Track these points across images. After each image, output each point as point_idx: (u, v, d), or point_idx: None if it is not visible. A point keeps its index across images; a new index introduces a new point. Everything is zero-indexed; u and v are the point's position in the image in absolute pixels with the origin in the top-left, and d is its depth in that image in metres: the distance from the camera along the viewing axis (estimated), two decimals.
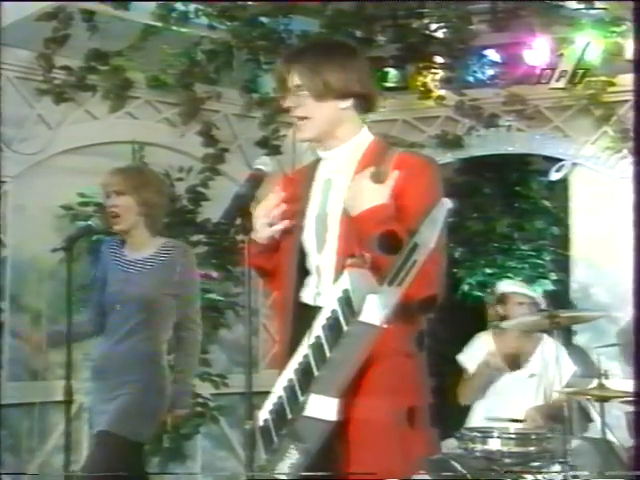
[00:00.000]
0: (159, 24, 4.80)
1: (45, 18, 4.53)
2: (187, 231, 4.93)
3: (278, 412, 2.33)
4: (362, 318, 2.19)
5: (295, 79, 2.42)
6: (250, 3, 4.94)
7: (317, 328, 2.29)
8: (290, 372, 2.33)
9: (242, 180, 2.41)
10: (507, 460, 4.02)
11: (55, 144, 4.73)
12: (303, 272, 2.47)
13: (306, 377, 2.28)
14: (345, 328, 2.22)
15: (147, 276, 3.55)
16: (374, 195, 2.28)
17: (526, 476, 4.02)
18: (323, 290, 2.41)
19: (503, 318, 4.92)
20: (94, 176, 4.57)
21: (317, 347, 2.27)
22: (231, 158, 5.30)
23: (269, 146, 5.29)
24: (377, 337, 2.20)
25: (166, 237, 3.71)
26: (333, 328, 2.25)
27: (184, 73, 5.05)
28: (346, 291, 2.24)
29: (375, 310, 2.18)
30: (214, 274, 5.02)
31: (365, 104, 2.47)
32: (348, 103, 2.42)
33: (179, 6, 4.83)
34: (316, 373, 2.26)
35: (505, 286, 5.05)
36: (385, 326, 2.19)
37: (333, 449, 2.30)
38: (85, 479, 3.51)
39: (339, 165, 2.46)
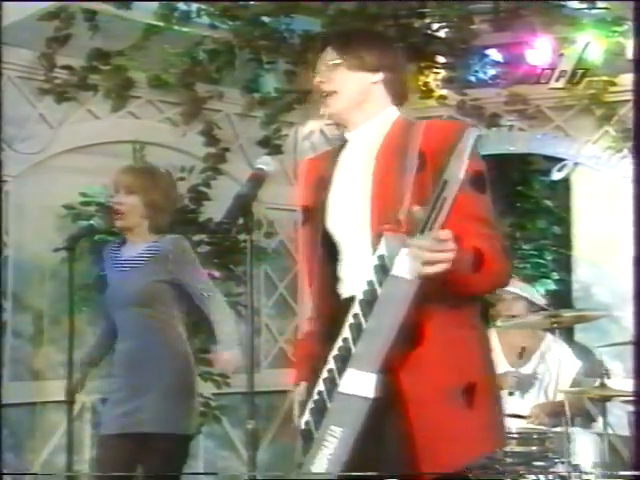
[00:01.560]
0: (161, 24, 4.80)
1: (47, 17, 4.53)
2: (189, 231, 4.92)
3: (320, 410, 2.15)
4: (394, 272, 2.06)
5: (330, 55, 2.42)
6: (252, 3, 4.94)
7: (355, 306, 2.14)
8: (330, 362, 2.16)
9: (244, 180, 2.40)
10: (509, 460, 4.02)
11: (57, 143, 4.73)
12: (333, 264, 2.36)
13: (345, 361, 2.11)
14: (379, 292, 2.09)
15: (140, 271, 3.54)
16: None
17: (528, 476, 4.02)
18: (358, 278, 2.22)
19: (499, 316, 4.94)
20: (96, 175, 4.59)
21: (355, 325, 2.11)
22: (233, 158, 5.30)
23: (271, 146, 5.29)
24: (413, 294, 2.04)
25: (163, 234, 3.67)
26: (369, 298, 2.10)
27: (186, 72, 5.05)
28: (381, 257, 2.11)
29: (408, 262, 2.04)
30: (216, 274, 5.01)
31: (394, 81, 2.43)
32: (379, 77, 2.41)
33: (181, 5, 4.83)
34: (353, 350, 2.10)
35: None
36: (418, 280, 2.03)
37: (384, 436, 2.12)
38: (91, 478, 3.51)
39: (366, 141, 2.39)
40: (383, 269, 2.09)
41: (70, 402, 3.45)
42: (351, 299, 2.20)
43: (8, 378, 4.45)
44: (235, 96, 5.30)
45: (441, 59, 5.33)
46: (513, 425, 4.17)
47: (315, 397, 2.18)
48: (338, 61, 2.40)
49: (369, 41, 2.45)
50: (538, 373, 4.72)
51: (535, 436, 4.13)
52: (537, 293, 5.01)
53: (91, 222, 3.70)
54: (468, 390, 2.16)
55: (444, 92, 5.39)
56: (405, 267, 2.04)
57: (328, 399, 2.13)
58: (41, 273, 4.58)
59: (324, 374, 2.17)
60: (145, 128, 5.06)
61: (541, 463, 4.06)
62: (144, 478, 3.57)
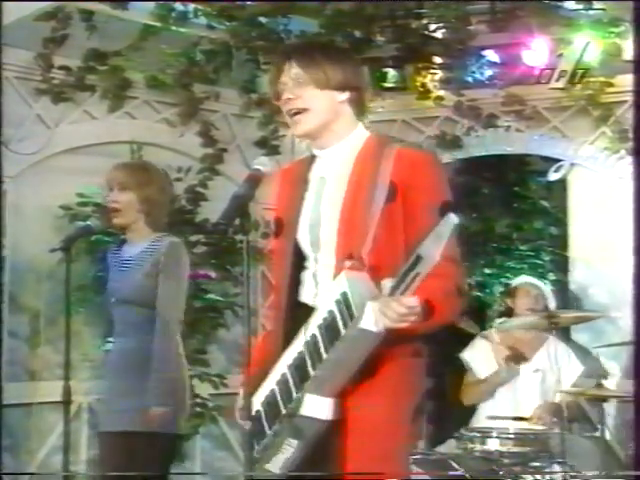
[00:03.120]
0: (158, 24, 4.80)
1: (44, 18, 4.52)
2: (186, 231, 4.93)
3: (270, 405, 2.38)
4: (362, 325, 2.21)
5: (294, 70, 2.43)
6: (249, 3, 4.94)
7: (313, 327, 2.31)
8: (284, 367, 2.36)
9: (241, 180, 2.40)
10: (506, 460, 4.02)
11: (54, 144, 4.72)
12: (299, 272, 2.48)
13: (300, 374, 2.32)
14: (343, 331, 2.25)
15: (138, 272, 3.53)
16: None
17: (525, 476, 4.02)
18: (321, 290, 2.41)
19: (508, 312, 4.94)
20: (93, 176, 4.58)
21: (312, 346, 2.30)
22: (230, 158, 5.30)
23: (268, 146, 5.29)
24: (375, 343, 2.23)
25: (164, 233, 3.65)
26: (330, 329, 2.27)
27: (183, 73, 5.04)
28: (344, 294, 2.25)
29: (375, 317, 2.20)
30: (213, 274, 5.02)
31: (359, 100, 2.48)
32: (345, 96, 2.44)
33: (178, 6, 4.83)
34: (312, 372, 2.29)
35: (522, 278, 5.10)
36: (383, 333, 2.21)
37: (333, 448, 2.32)
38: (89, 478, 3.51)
39: (334, 164, 2.46)
40: (347, 308, 2.24)
41: (67, 402, 3.45)
42: (309, 307, 2.38)
43: (5, 379, 4.45)
44: (232, 97, 5.30)
45: (438, 60, 5.34)
46: (514, 427, 4.18)
47: (267, 392, 2.40)
48: (305, 77, 2.42)
49: (329, 55, 2.47)
50: (538, 370, 4.72)
51: (532, 437, 4.13)
52: (552, 295, 5.03)
53: (88, 223, 3.68)
54: (415, 411, 2.40)
55: (441, 93, 5.39)
56: (372, 321, 2.21)
57: (281, 402, 2.36)
58: (38, 274, 4.58)
59: (277, 376, 2.38)
60: (142, 128, 5.05)
61: (538, 464, 4.06)
62: (134, 477, 3.57)
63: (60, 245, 3.52)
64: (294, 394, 2.33)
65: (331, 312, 2.27)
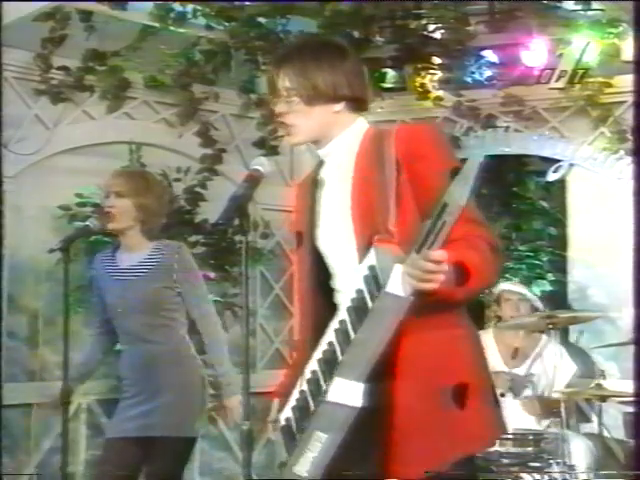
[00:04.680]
0: (157, 24, 4.80)
1: (42, 18, 4.52)
2: (185, 231, 4.93)
3: (301, 408, 2.19)
4: (388, 289, 2.06)
5: (285, 82, 2.35)
6: (248, 3, 4.94)
7: (342, 312, 2.16)
8: (314, 364, 2.19)
9: (240, 180, 2.40)
10: (505, 460, 4.02)
11: (52, 144, 4.72)
12: (324, 278, 2.36)
13: (330, 365, 2.14)
14: (370, 305, 2.10)
15: (145, 280, 3.54)
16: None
17: (524, 476, 4.03)
18: (344, 287, 2.27)
19: (498, 317, 4.95)
20: (92, 176, 4.58)
21: (342, 331, 2.14)
22: (229, 159, 5.30)
23: (267, 147, 5.29)
24: (405, 310, 2.05)
25: (161, 239, 3.67)
26: (358, 308, 2.12)
27: (182, 73, 5.04)
28: (372, 267, 2.11)
29: (402, 280, 2.04)
30: (212, 275, 5.01)
31: (358, 105, 2.39)
32: (341, 106, 2.35)
33: (177, 6, 4.83)
34: (340, 358, 2.12)
35: (502, 286, 5.06)
36: (412, 298, 2.04)
37: (369, 442, 2.14)
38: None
39: (340, 155, 2.38)
40: (374, 279, 2.10)
41: (65, 403, 3.45)
42: (337, 309, 2.22)
43: (3, 379, 4.44)
44: (231, 97, 5.30)
45: (437, 60, 5.33)
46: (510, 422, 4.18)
47: (297, 396, 2.22)
48: (294, 93, 2.32)
49: (320, 64, 2.33)
50: (533, 375, 4.72)
51: (530, 437, 4.14)
52: (537, 298, 5.03)
53: (87, 223, 3.68)
54: (459, 391, 2.15)
55: (440, 93, 5.39)
56: (399, 284, 2.05)
57: (312, 400, 2.16)
58: (36, 274, 4.58)
59: (307, 374, 2.20)
60: (141, 129, 5.05)
61: (536, 464, 4.07)
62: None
63: (59, 245, 3.52)
64: (324, 387, 2.13)
65: (359, 291, 2.12)
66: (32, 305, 4.62)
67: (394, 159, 2.23)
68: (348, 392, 2.09)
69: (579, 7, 4.85)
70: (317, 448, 2.10)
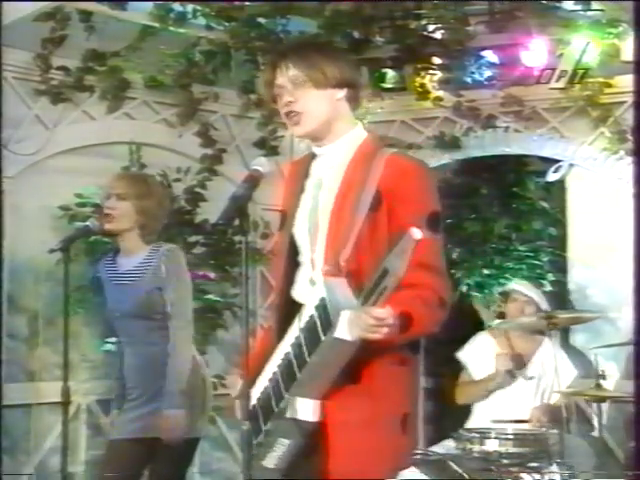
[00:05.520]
0: (157, 25, 4.80)
1: (42, 18, 4.52)
2: (185, 232, 4.93)
3: (265, 401, 2.44)
4: (336, 334, 2.22)
5: (292, 72, 2.44)
6: (248, 3, 4.94)
7: (297, 329, 2.34)
8: (274, 366, 2.41)
9: (240, 181, 2.40)
10: (505, 461, 4.02)
11: (52, 145, 4.72)
12: (295, 268, 2.49)
13: (288, 374, 2.37)
14: (322, 337, 2.26)
15: (138, 284, 3.55)
16: None
17: (524, 476, 4.02)
18: (314, 290, 2.40)
19: (501, 314, 4.94)
20: (92, 177, 4.58)
21: (297, 348, 2.34)
22: (229, 159, 5.30)
23: (267, 147, 5.29)
24: (352, 350, 2.24)
25: (158, 242, 3.66)
26: (311, 334, 2.29)
27: (182, 74, 5.04)
28: (323, 300, 2.26)
29: (348, 326, 2.20)
30: (212, 275, 5.02)
31: (356, 96, 2.51)
32: (343, 93, 2.46)
33: (177, 6, 4.83)
34: (297, 374, 2.33)
35: (513, 285, 5.10)
36: (358, 342, 2.22)
37: (319, 445, 2.35)
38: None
39: (331, 162, 2.47)
40: (325, 314, 2.26)
41: (65, 403, 3.45)
42: (298, 304, 2.40)
43: (3, 379, 4.45)
44: (231, 97, 5.30)
45: (437, 60, 5.34)
46: (512, 428, 4.17)
47: (262, 389, 2.45)
48: (303, 78, 2.43)
49: (328, 55, 2.49)
50: (534, 377, 4.72)
51: (530, 437, 4.13)
52: (545, 301, 5.02)
53: (87, 223, 3.69)
54: (403, 419, 2.38)
55: (440, 93, 5.39)
56: (346, 330, 2.22)
57: (274, 401, 2.42)
58: (36, 274, 4.57)
59: (269, 374, 2.43)
60: (141, 129, 5.05)
61: (536, 464, 4.06)
62: None
63: (59, 245, 3.53)
64: (284, 394, 2.38)
65: (312, 317, 2.29)
66: (32, 305, 4.62)
67: (375, 190, 2.34)
68: (305, 409, 2.34)
69: (579, 7, 4.85)
70: (280, 450, 2.38)
